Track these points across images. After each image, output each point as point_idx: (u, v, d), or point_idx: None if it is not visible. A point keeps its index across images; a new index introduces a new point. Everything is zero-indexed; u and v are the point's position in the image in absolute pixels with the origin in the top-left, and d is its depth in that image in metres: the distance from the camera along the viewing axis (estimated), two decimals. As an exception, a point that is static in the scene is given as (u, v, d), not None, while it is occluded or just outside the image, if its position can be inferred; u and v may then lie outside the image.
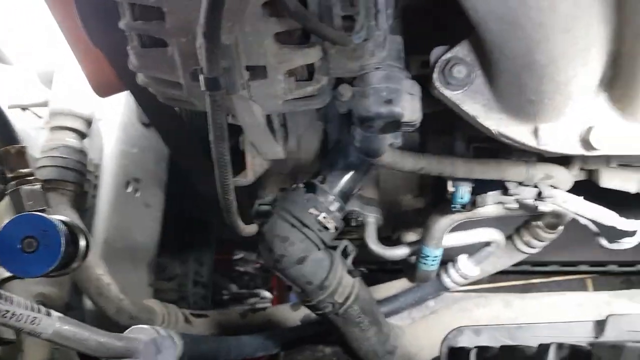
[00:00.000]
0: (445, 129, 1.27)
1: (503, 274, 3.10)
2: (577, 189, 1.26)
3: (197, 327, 1.40)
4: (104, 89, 1.12)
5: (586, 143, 0.86)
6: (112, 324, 1.17)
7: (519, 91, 0.80)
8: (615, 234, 1.29)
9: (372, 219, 1.47)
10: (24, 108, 1.38)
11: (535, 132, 0.86)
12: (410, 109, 0.85)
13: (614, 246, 1.34)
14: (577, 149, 0.88)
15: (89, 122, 1.31)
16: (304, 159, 1.48)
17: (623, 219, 1.24)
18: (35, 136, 1.37)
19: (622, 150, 0.87)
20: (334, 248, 1.33)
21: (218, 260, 2.46)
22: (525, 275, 3.08)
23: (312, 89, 0.85)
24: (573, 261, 2.88)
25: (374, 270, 2.69)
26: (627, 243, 1.30)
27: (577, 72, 0.74)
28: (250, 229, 1.12)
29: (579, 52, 0.71)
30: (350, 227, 1.55)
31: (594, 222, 1.26)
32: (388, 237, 1.72)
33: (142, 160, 1.49)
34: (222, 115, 0.76)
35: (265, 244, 1.16)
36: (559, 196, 1.16)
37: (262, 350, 1.37)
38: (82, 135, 1.30)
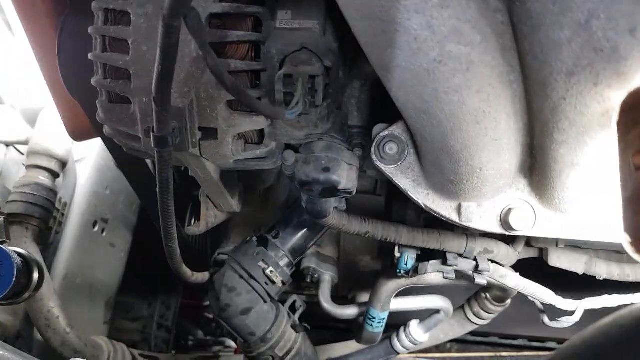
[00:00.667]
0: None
1: (474, 344, 3.13)
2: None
3: (145, 369, 1.42)
4: (79, 134, 1.20)
5: (506, 224, 0.93)
6: (59, 356, 1.21)
7: (440, 171, 0.88)
8: (560, 312, 1.34)
9: (327, 277, 1.53)
10: (7, 145, 1.46)
11: (459, 209, 0.94)
12: (347, 178, 0.93)
13: (554, 324, 1.38)
14: (497, 228, 0.95)
15: (63, 163, 1.39)
16: (271, 213, 1.55)
17: (560, 298, 1.29)
18: (16, 172, 1.45)
19: (539, 233, 0.94)
20: (283, 302, 1.38)
21: (187, 305, 2.49)
22: (495, 347, 3.10)
23: (260, 152, 0.94)
24: (541, 337, 2.91)
25: (344, 330, 2.71)
26: (565, 322, 1.34)
27: (491, 159, 0.83)
28: (199, 277, 1.18)
29: (490, 141, 0.80)
30: (307, 283, 1.60)
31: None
32: (345, 297, 1.76)
33: (113, 201, 1.57)
34: (169, 170, 0.84)
35: (214, 292, 1.21)
36: (497, 270, 1.23)
37: (205, 397, 1.40)
38: (55, 174, 1.38)
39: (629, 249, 0.60)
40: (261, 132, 0.93)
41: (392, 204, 1.43)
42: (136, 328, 2.07)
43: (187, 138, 0.86)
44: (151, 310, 2.08)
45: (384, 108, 1.02)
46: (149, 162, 1.36)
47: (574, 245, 1.38)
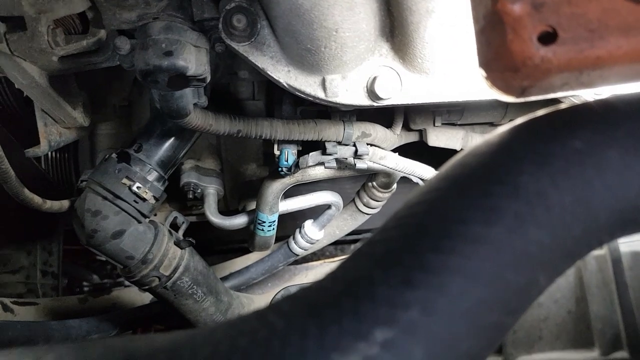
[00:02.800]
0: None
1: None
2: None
3: (22, 316, 1.29)
4: None
5: (372, 93, 0.88)
6: None
7: (295, 39, 0.79)
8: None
9: (211, 190, 1.44)
10: None
11: (323, 84, 0.87)
12: (195, 62, 0.82)
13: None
14: (365, 100, 0.89)
15: None
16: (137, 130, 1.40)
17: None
18: None
19: (406, 99, 0.90)
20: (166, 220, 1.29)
21: (76, 250, 2.32)
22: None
23: (87, 43, 0.80)
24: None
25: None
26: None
27: (345, 17, 0.75)
28: (55, 205, 1.05)
29: (340, -6, 0.72)
30: (191, 201, 1.51)
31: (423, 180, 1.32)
32: (237, 210, 1.70)
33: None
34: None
35: (77, 220, 1.09)
36: (375, 153, 1.20)
37: (95, 333, 1.30)
38: None
39: (486, 84, 0.56)
40: (84, 19, 0.78)
41: (273, 105, 1.34)
42: (18, 280, 1.90)
43: (-16, 31, 0.71)
44: (31, 259, 1.90)
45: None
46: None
47: (451, 123, 1.39)
